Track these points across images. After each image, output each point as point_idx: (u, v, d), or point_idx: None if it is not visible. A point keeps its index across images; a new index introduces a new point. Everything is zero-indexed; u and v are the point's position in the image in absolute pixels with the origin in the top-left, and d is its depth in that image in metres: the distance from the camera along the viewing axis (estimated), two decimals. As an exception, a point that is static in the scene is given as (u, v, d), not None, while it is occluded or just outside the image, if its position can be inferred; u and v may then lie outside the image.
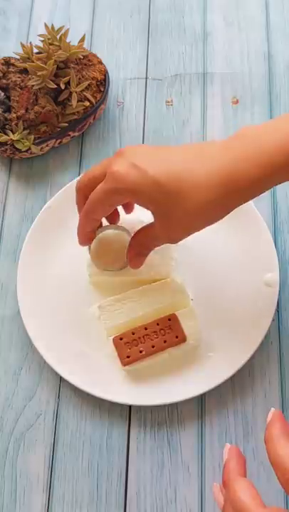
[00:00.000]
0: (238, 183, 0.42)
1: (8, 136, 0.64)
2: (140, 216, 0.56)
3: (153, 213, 0.46)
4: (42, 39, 0.64)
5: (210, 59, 0.71)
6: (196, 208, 0.43)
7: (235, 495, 0.36)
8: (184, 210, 0.43)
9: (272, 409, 0.39)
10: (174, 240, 0.47)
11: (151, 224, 0.49)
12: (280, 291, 0.58)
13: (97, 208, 0.48)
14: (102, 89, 0.66)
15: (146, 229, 0.50)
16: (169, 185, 0.43)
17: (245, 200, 0.44)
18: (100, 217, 0.51)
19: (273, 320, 0.58)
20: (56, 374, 0.58)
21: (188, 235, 0.47)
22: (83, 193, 0.51)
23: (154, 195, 0.44)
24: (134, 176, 0.44)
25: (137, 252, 0.52)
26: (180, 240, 0.47)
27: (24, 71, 0.65)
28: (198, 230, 0.46)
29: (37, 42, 0.65)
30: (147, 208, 0.46)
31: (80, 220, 0.52)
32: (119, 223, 0.57)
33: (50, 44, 0.64)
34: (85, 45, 0.67)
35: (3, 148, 0.64)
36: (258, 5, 0.73)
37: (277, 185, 0.44)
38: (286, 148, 0.41)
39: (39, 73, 0.62)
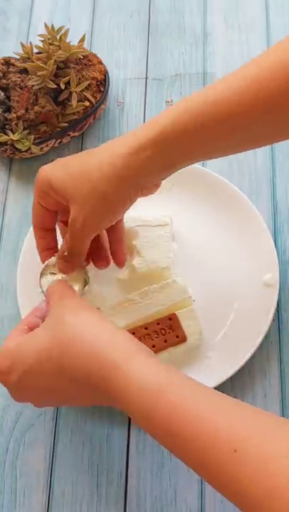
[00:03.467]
0: (122, 160, 0.45)
1: (8, 136, 0.64)
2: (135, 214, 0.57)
3: (62, 197, 0.48)
4: (42, 39, 0.64)
5: (210, 59, 0.71)
6: (93, 188, 0.46)
7: None
8: (86, 191, 0.46)
9: None
10: (89, 225, 0.48)
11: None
12: (280, 291, 0.58)
13: (35, 215, 0.52)
14: (102, 89, 0.66)
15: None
16: (76, 169, 0.47)
17: (136, 181, 0.47)
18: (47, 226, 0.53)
19: (273, 320, 0.58)
20: (56, 374, 0.58)
21: (98, 220, 0.48)
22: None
23: (65, 180, 0.47)
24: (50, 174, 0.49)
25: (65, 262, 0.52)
26: (95, 225, 0.49)
27: (24, 71, 0.65)
28: (103, 215, 0.48)
29: (37, 42, 0.65)
30: (57, 194, 0.48)
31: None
32: None
33: (50, 44, 0.64)
34: (85, 45, 0.67)
35: (3, 148, 0.64)
36: (258, 6, 0.73)
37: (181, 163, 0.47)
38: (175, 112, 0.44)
39: (39, 73, 0.62)
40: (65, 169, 0.48)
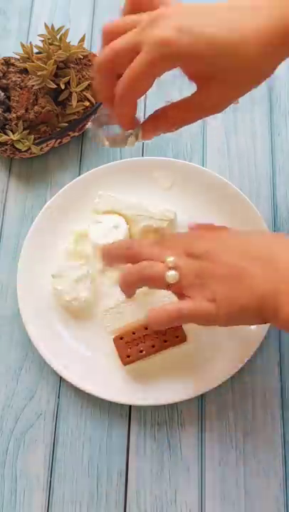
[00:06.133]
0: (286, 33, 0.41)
1: (8, 136, 0.64)
2: (143, 204, 0.58)
3: (200, 79, 0.44)
4: (42, 39, 0.64)
5: (210, 59, 0.71)
6: (247, 63, 0.42)
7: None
8: (236, 66, 0.42)
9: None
10: (220, 106, 0.45)
11: (191, 96, 0.45)
12: (280, 291, 0.58)
13: (139, 84, 0.43)
14: (102, 89, 0.66)
15: (184, 101, 0.45)
16: (224, 43, 0.41)
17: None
18: (142, 94, 0.44)
19: (273, 320, 0.58)
20: (56, 374, 0.58)
21: (237, 96, 0.45)
22: (109, 72, 0.44)
23: (209, 58, 0.41)
24: (187, 39, 0.40)
25: (160, 127, 0.47)
26: (226, 105, 0.45)
27: (24, 71, 0.65)
28: (246, 90, 0.44)
29: (37, 42, 0.65)
30: (194, 75, 0.44)
31: (118, 107, 0.44)
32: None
33: (50, 44, 0.64)
34: (85, 45, 0.67)
35: (3, 148, 0.64)
36: (257, 5, 0.73)
37: None
38: None
39: (39, 73, 0.62)
40: (203, 39, 0.41)
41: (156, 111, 0.47)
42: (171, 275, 0.46)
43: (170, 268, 0.46)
